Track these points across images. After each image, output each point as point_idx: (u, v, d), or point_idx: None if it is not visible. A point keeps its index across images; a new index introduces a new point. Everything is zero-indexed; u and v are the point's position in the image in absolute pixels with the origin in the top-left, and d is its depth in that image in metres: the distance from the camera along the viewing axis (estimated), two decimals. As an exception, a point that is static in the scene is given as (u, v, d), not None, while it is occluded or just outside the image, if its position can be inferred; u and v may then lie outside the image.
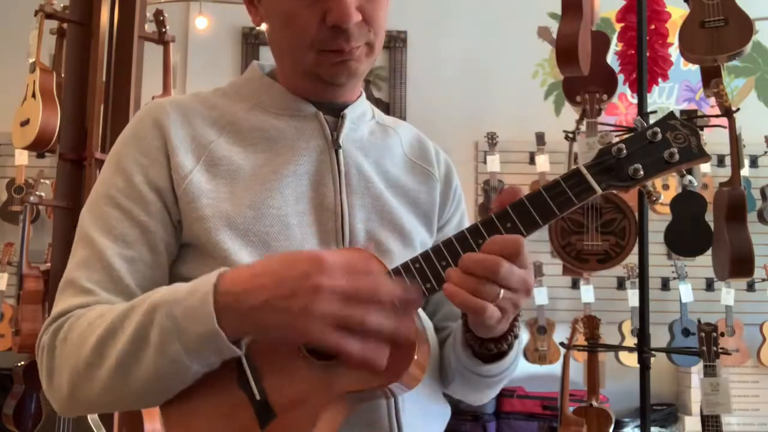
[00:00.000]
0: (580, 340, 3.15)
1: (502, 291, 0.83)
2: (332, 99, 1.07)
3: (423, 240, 1.08)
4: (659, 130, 0.87)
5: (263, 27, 1.06)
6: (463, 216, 1.19)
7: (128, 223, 0.97)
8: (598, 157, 0.87)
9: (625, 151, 0.87)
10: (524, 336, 4.30)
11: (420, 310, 1.05)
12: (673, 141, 0.87)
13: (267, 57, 1.10)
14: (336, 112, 1.07)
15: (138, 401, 0.91)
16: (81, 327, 0.90)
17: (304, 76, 1.03)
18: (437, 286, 0.88)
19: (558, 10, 2.30)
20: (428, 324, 1.07)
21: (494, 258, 0.82)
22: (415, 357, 0.85)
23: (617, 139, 0.88)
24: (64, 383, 0.90)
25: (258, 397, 0.86)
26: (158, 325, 0.84)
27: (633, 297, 4.08)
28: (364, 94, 1.13)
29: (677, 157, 0.86)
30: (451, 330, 1.09)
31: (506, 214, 0.86)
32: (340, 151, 1.05)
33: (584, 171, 0.86)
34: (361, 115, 1.11)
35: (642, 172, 0.86)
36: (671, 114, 0.89)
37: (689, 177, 0.89)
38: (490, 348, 0.94)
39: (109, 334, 0.87)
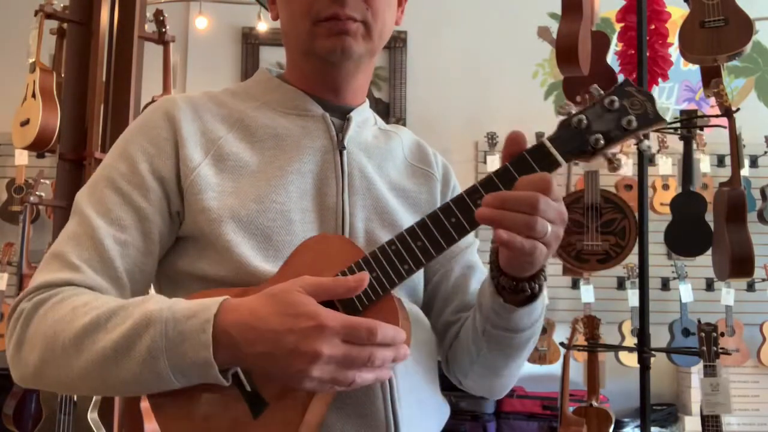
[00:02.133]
0: (580, 340, 3.16)
1: (549, 226, 0.84)
2: (334, 87, 1.09)
3: None
4: (616, 98, 0.88)
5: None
6: None
7: (126, 208, 0.98)
8: (560, 129, 0.89)
9: (585, 122, 0.88)
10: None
11: (415, 306, 1.06)
12: (630, 108, 0.88)
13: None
14: (342, 115, 1.10)
15: (108, 393, 0.93)
16: (64, 310, 0.90)
17: (305, 56, 1.06)
18: (415, 267, 0.89)
19: (558, 10, 2.30)
20: (424, 320, 1.08)
21: (531, 193, 0.84)
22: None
23: (575, 110, 0.89)
24: (33, 359, 0.90)
25: (249, 389, 0.88)
26: (149, 339, 0.85)
27: (633, 297, 4.08)
28: (368, 102, 1.16)
29: (635, 123, 0.87)
30: (465, 319, 1.10)
31: (476, 190, 0.88)
32: (345, 152, 1.07)
33: (548, 144, 0.88)
34: (365, 119, 1.14)
35: (603, 141, 0.87)
36: (626, 81, 0.90)
37: (647, 142, 0.90)
38: (525, 288, 0.94)
39: (92, 329, 0.87)
